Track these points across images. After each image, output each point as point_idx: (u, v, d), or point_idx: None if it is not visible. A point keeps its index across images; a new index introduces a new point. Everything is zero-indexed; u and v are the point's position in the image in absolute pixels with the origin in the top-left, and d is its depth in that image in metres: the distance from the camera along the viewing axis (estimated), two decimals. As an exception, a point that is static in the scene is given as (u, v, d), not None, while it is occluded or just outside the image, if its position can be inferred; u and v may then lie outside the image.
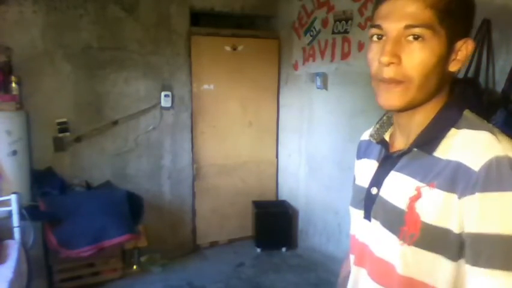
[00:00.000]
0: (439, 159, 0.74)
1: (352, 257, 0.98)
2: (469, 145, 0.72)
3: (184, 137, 3.76)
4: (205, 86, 3.82)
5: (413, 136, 0.80)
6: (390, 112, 0.87)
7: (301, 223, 3.93)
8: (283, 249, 3.88)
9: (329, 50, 3.36)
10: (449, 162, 0.72)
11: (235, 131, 4.01)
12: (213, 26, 3.89)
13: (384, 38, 0.75)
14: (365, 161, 0.95)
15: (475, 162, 0.68)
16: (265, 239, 3.88)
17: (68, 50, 3.24)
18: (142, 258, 3.49)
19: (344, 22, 3.19)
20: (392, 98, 0.76)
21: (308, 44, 3.60)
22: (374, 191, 0.85)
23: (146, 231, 3.43)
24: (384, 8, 0.75)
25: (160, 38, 3.54)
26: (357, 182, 0.96)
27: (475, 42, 0.79)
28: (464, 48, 0.75)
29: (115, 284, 3.23)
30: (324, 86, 3.45)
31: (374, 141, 0.90)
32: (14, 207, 2.58)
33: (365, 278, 0.88)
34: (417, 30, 0.71)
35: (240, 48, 3.88)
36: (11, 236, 2.60)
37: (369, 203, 0.85)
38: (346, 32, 3.18)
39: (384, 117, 0.92)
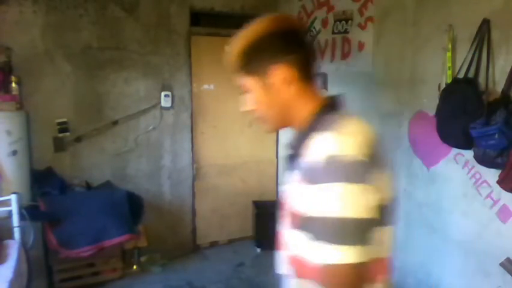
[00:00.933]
0: (303, 160, 0.89)
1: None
2: (314, 146, 0.86)
3: (184, 137, 3.76)
4: (205, 86, 3.82)
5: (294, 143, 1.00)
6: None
7: (301, 223, 3.93)
8: (283, 249, 3.87)
9: (329, 50, 3.36)
10: (307, 161, 0.87)
11: (235, 131, 4.01)
12: (213, 26, 3.88)
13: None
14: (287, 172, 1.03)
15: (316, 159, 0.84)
16: (265, 239, 3.88)
17: (68, 50, 3.24)
18: (142, 258, 3.49)
19: (344, 22, 3.19)
20: (265, 127, 1.02)
21: (308, 44, 3.60)
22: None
23: (146, 231, 3.43)
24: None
25: (160, 38, 3.54)
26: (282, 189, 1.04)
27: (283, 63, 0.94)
28: (276, 75, 0.93)
29: (115, 284, 3.23)
30: (324, 86, 3.45)
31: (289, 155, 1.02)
32: (14, 207, 2.58)
33: None
34: (244, 88, 0.99)
35: (240, 48, 3.87)
36: (11, 236, 2.60)
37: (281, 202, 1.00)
38: (346, 32, 3.18)
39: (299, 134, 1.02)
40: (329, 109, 0.93)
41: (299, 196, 0.84)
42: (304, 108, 0.93)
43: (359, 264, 0.76)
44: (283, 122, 0.97)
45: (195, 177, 3.86)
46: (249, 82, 0.94)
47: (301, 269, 0.87)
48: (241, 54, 0.93)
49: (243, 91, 0.97)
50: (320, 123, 0.88)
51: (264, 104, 0.94)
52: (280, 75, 0.91)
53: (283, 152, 1.12)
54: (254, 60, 0.92)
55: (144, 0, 3.45)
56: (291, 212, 0.88)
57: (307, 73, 0.94)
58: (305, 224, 0.82)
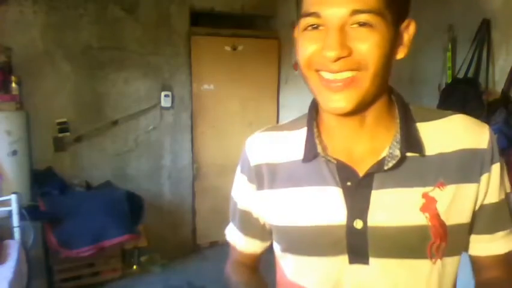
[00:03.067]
0: (429, 156, 0.67)
1: None
2: (457, 131, 0.68)
3: (184, 137, 3.75)
4: (205, 86, 3.82)
5: (379, 143, 0.69)
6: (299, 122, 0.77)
7: (301, 223, 3.93)
8: (283, 249, 3.87)
9: (329, 50, 3.36)
10: (444, 155, 0.67)
11: (235, 131, 4.01)
12: (213, 26, 3.88)
13: (322, 27, 0.63)
14: (301, 190, 0.72)
15: (479, 142, 0.67)
16: (265, 239, 3.88)
17: (68, 50, 3.24)
18: (142, 258, 3.49)
19: (344, 22, 3.18)
20: (342, 98, 0.63)
21: (308, 44, 3.60)
22: (358, 224, 0.66)
23: (146, 231, 3.43)
24: None
25: (160, 38, 3.54)
26: (302, 223, 0.71)
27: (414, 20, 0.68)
28: (407, 31, 0.68)
29: (115, 284, 3.23)
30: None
31: (334, 162, 0.70)
32: (14, 207, 2.58)
33: None
34: (365, 16, 0.60)
35: (240, 48, 3.88)
36: (11, 236, 2.59)
37: (358, 241, 0.67)
38: (346, 32, 3.17)
39: (303, 136, 0.75)
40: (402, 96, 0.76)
41: (459, 201, 0.67)
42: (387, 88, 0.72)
43: None
44: (375, 95, 0.67)
45: (195, 177, 3.86)
46: (383, 17, 0.62)
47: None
48: None
49: (354, 18, 0.61)
50: (415, 111, 0.72)
51: (385, 56, 0.64)
52: (412, 31, 0.68)
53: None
54: (405, 1, 0.66)
55: (144, 0, 3.45)
56: (450, 230, 0.66)
57: None
58: (476, 217, 0.69)
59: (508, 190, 0.72)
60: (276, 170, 0.76)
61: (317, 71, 0.64)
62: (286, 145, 0.77)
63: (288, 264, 0.81)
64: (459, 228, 0.67)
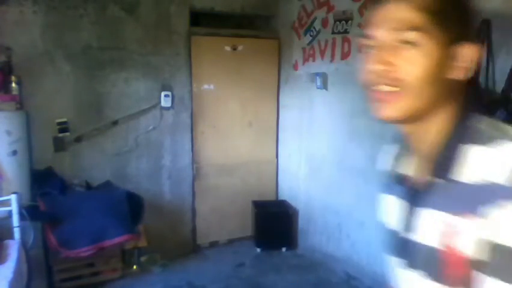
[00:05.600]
0: (465, 184, 0.65)
1: None
2: (491, 162, 0.64)
3: (184, 137, 3.76)
4: (205, 86, 3.82)
5: (428, 160, 0.72)
6: (399, 135, 0.80)
7: (301, 223, 3.93)
8: (283, 249, 3.88)
9: (329, 50, 3.36)
10: (476, 184, 0.64)
11: (235, 131, 4.01)
12: (213, 26, 3.89)
13: (376, 46, 0.69)
14: (390, 198, 0.84)
15: (506, 178, 0.62)
16: (265, 239, 3.88)
17: (68, 50, 3.24)
18: (142, 258, 3.49)
19: (344, 22, 3.19)
20: (387, 107, 0.69)
21: (308, 44, 3.60)
22: (405, 236, 0.75)
23: (146, 231, 3.43)
24: (374, 15, 0.70)
25: (160, 38, 3.54)
26: (388, 224, 0.84)
27: (479, 46, 0.70)
28: (466, 54, 0.68)
29: (115, 284, 3.23)
30: (324, 86, 3.45)
31: (393, 180, 0.81)
32: (14, 207, 2.58)
33: None
34: (408, 35, 0.65)
35: (240, 48, 3.88)
36: (11, 236, 2.59)
37: (404, 251, 0.75)
38: (346, 32, 3.18)
39: (398, 150, 0.85)
40: (472, 115, 0.71)
41: (481, 236, 0.63)
42: (453, 106, 0.71)
43: None
44: (422, 109, 0.69)
45: (195, 177, 3.86)
46: (430, 36, 0.65)
47: None
48: (450, 8, 0.67)
49: (398, 37, 0.67)
50: (479, 131, 0.68)
51: (428, 75, 0.66)
52: (472, 55, 0.68)
53: (388, 170, 0.84)
54: (456, 12, 0.68)
55: (144, 0, 3.45)
56: (469, 262, 0.65)
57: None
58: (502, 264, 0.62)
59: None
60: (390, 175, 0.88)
61: (370, 85, 0.72)
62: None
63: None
64: (478, 263, 0.64)
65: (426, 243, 0.69)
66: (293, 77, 3.87)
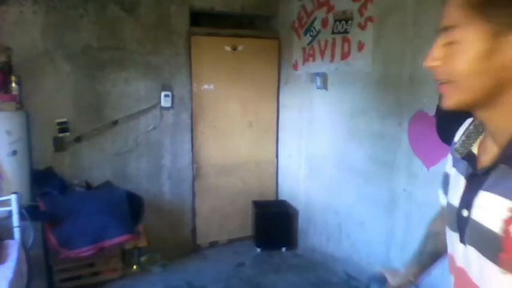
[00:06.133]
0: None
1: (452, 278, 0.91)
2: None
3: (184, 137, 3.76)
4: (205, 86, 3.82)
5: (498, 145, 0.73)
6: (477, 119, 0.80)
7: (301, 223, 3.93)
8: (283, 249, 3.88)
9: (329, 50, 3.36)
10: None
11: (235, 131, 4.01)
12: (213, 26, 3.89)
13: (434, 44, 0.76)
14: (455, 173, 0.85)
15: None
16: (265, 239, 3.88)
17: (68, 50, 3.25)
18: (142, 258, 3.49)
19: (344, 22, 3.19)
20: (446, 98, 0.74)
21: (308, 44, 3.60)
22: (464, 213, 0.76)
23: (146, 231, 3.43)
24: None
25: (160, 38, 3.54)
26: (449, 200, 0.85)
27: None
28: None
29: (115, 284, 3.23)
30: (324, 86, 3.45)
31: (459, 156, 0.81)
32: (14, 207, 2.58)
33: None
34: (450, 32, 0.70)
35: (240, 48, 3.88)
36: (11, 236, 2.59)
37: (462, 227, 0.77)
38: (346, 32, 3.18)
39: (471, 127, 0.82)
40: None
41: None
42: None
43: None
44: (479, 102, 0.71)
45: (194, 177, 3.86)
46: (470, 30, 0.67)
47: None
48: None
49: (444, 35, 0.72)
50: None
51: (474, 68, 0.68)
52: None
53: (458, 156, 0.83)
54: (498, 2, 0.66)
55: (144, 0, 3.45)
56: None
57: None
58: None
59: None
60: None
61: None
62: None
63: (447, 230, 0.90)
64: None
65: (484, 224, 0.70)
66: (293, 77, 3.87)
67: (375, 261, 3.03)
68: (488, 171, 0.72)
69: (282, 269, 3.54)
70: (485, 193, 0.72)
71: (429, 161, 2.56)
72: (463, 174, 0.81)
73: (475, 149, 0.79)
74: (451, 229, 0.82)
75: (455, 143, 0.84)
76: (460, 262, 0.80)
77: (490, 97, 0.70)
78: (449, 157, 0.94)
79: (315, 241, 3.73)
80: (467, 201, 0.76)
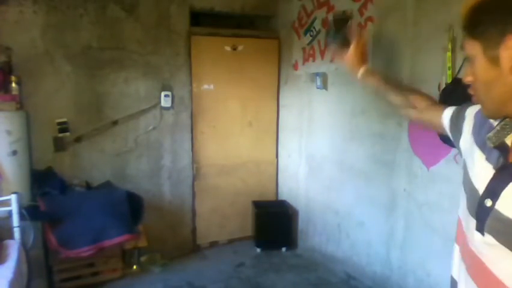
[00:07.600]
0: None
1: (457, 247, 0.97)
2: None
3: (184, 137, 3.76)
4: (205, 86, 3.82)
5: None
6: None
7: (301, 223, 3.93)
8: (283, 249, 3.88)
9: (329, 50, 3.36)
10: None
11: (235, 131, 4.01)
12: (213, 26, 3.89)
13: None
14: (482, 158, 0.84)
15: None
16: (265, 239, 3.88)
17: (68, 50, 3.24)
18: (142, 258, 3.49)
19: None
20: (481, 110, 0.83)
21: (308, 44, 3.60)
22: (488, 203, 0.76)
23: (146, 231, 3.43)
24: None
25: (160, 38, 3.54)
26: (472, 179, 0.85)
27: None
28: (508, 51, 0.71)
29: (115, 284, 3.23)
30: (324, 86, 3.45)
31: (492, 145, 0.80)
32: (14, 207, 2.58)
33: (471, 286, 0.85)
34: (466, 52, 0.81)
35: (240, 48, 3.88)
36: (11, 236, 2.60)
37: (483, 216, 0.77)
38: (346, 32, 3.17)
39: (507, 119, 0.81)
40: None
41: None
42: None
43: None
44: (503, 111, 0.77)
45: (194, 177, 3.86)
46: (472, 48, 0.76)
47: None
48: (470, 11, 0.76)
49: (469, 58, 0.80)
50: None
51: (481, 81, 0.77)
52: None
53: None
54: (484, 20, 0.73)
55: (144, 0, 3.45)
56: None
57: None
58: None
59: None
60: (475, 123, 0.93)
61: None
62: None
63: (462, 199, 0.91)
64: None
65: (509, 216, 0.71)
66: (293, 77, 3.87)
67: (375, 261, 3.03)
68: None
69: (282, 269, 3.54)
70: None
71: (429, 160, 2.56)
72: (492, 164, 0.80)
73: (508, 141, 0.78)
74: (470, 213, 0.83)
75: (491, 133, 0.82)
76: (473, 246, 0.81)
77: (507, 105, 0.76)
78: (469, 128, 0.94)
79: (315, 241, 3.73)
80: (493, 191, 0.76)
